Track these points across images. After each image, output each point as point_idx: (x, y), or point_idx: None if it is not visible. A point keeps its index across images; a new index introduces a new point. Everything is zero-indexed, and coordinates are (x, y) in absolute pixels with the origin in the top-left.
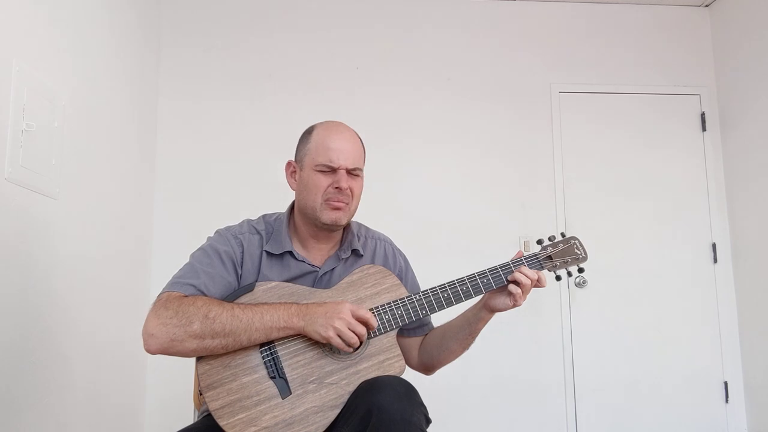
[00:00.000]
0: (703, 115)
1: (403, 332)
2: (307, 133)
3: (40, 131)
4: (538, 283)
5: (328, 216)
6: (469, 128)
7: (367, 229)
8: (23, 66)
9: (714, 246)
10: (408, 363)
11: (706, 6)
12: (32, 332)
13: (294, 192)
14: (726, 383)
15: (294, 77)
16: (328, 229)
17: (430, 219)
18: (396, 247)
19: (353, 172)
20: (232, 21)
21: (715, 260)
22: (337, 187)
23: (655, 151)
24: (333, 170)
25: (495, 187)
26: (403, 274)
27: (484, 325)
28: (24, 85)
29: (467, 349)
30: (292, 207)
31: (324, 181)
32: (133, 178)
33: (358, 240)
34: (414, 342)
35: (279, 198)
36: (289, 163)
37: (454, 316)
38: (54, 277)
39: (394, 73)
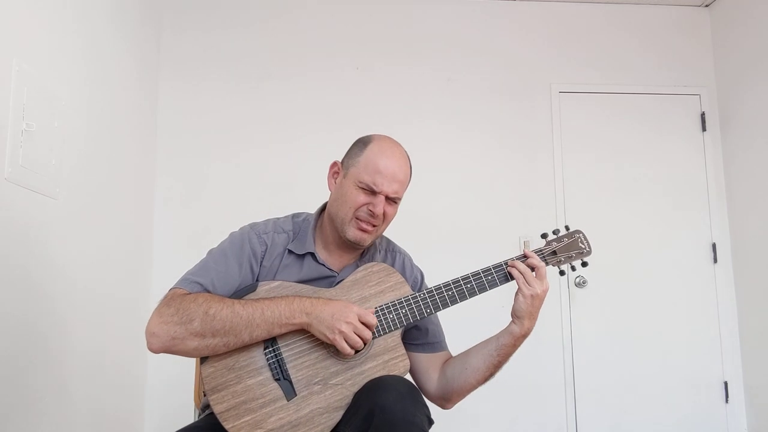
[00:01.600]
0: (703, 115)
1: (412, 348)
2: (362, 143)
3: (40, 131)
4: (533, 267)
5: (353, 234)
6: (469, 128)
7: (389, 241)
8: (23, 66)
9: (714, 246)
10: (425, 389)
11: (706, 6)
12: (32, 332)
13: (329, 192)
14: (726, 383)
15: (294, 78)
16: (350, 245)
17: (430, 219)
18: (414, 263)
19: (392, 199)
20: (232, 22)
21: (715, 260)
22: (371, 210)
23: (655, 151)
24: (374, 193)
25: (495, 187)
26: (418, 288)
27: (512, 342)
28: (24, 85)
29: (491, 371)
30: (322, 209)
31: (362, 199)
32: (133, 178)
33: (379, 253)
34: (430, 360)
35: (280, 198)
36: (335, 164)
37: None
38: (54, 277)
39: (394, 73)
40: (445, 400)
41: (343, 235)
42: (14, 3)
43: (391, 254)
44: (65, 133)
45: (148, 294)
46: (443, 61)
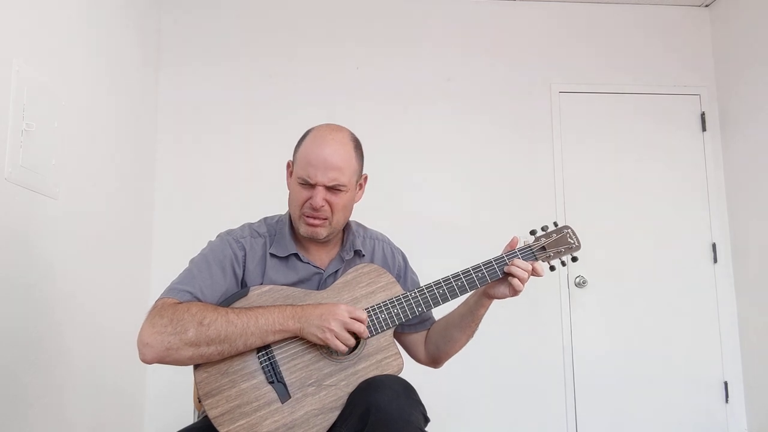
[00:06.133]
0: (703, 115)
1: (406, 329)
2: (302, 137)
3: (40, 131)
4: (535, 274)
5: (305, 230)
6: (469, 128)
7: (365, 229)
8: (23, 66)
9: (714, 246)
10: (416, 358)
11: (706, 6)
12: (32, 332)
13: None
14: (726, 383)
15: (294, 77)
16: (309, 240)
17: (430, 219)
18: (393, 245)
19: (334, 188)
20: (231, 21)
21: (715, 260)
22: (311, 204)
23: (655, 151)
24: (311, 185)
25: (495, 188)
26: (403, 272)
27: (485, 312)
28: (24, 85)
29: (471, 337)
30: None
31: (303, 194)
32: (133, 178)
33: (358, 241)
34: (419, 337)
35: (279, 198)
36: (288, 163)
37: (455, 308)
38: (54, 277)
39: (394, 73)
40: (435, 363)
41: (299, 233)
42: (14, 3)
43: (370, 241)
44: (65, 133)
45: (148, 294)
46: (443, 61)
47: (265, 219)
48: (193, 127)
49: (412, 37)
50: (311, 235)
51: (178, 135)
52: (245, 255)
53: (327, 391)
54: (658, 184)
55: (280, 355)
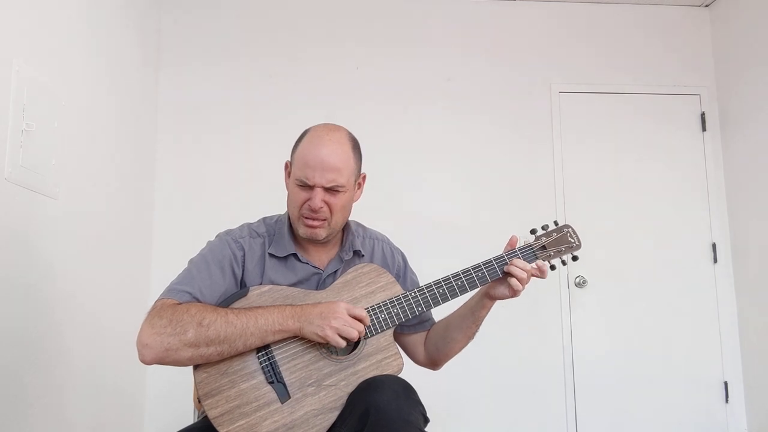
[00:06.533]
0: (703, 115)
1: (404, 329)
2: (300, 137)
3: (40, 131)
4: (540, 275)
5: (304, 231)
6: (468, 128)
7: (364, 228)
8: (23, 66)
9: (714, 246)
10: (415, 359)
11: (706, 6)
12: (32, 332)
13: None
14: (726, 383)
15: (294, 77)
16: (308, 240)
17: (430, 219)
18: (393, 245)
19: (332, 189)
20: (231, 21)
21: (715, 260)
22: (309, 206)
23: (655, 151)
24: (309, 187)
25: (495, 188)
26: (402, 272)
27: (486, 313)
28: (24, 85)
29: (471, 339)
30: None
31: (301, 196)
32: (133, 178)
33: (357, 241)
34: (418, 338)
35: (279, 198)
36: (286, 164)
37: (456, 308)
38: (54, 277)
39: (394, 73)
40: (434, 365)
41: (298, 234)
42: (14, 3)
43: (369, 241)
44: (65, 133)
45: (148, 294)
46: (443, 61)
47: (264, 219)
48: (193, 127)
49: (412, 37)
50: (310, 237)
51: (178, 135)
52: (244, 255)
53: (327, 391)
54: (658, 184)
55: (279, 355)
